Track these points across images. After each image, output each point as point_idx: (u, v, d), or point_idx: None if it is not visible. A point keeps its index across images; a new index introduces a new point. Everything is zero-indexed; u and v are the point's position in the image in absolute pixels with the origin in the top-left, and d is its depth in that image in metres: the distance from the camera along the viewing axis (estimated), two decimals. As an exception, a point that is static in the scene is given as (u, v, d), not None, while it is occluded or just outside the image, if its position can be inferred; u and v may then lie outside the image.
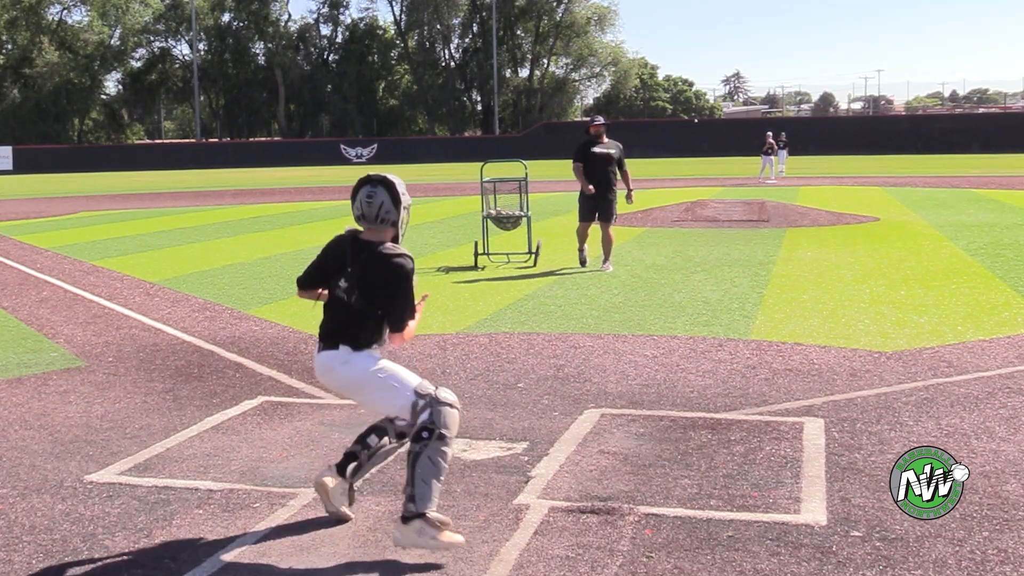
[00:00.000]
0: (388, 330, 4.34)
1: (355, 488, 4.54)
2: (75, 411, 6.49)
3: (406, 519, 4.09)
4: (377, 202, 4.30)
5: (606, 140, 12.97)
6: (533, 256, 13.41)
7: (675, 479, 4.97)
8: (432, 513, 4.09)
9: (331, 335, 4.35)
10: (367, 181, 4.36)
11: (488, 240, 13.96)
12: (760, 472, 5.05)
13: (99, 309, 10.60)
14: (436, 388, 4.29)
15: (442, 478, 4.17)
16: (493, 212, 13.88)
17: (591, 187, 12.61)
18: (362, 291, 4.27)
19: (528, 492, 4.81)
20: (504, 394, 6.69)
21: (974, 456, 5.25)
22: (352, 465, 4.44)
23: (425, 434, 4.15)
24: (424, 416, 4.18)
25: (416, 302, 4.39)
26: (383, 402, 4.32)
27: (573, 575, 3.93)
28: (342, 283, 4.34)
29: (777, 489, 4.81)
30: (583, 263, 12.97)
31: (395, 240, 4.40)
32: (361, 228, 4.41)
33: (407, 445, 4.28)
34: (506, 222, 13.91)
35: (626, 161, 12.95)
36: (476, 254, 13.42)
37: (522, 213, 13.74)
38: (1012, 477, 4.93)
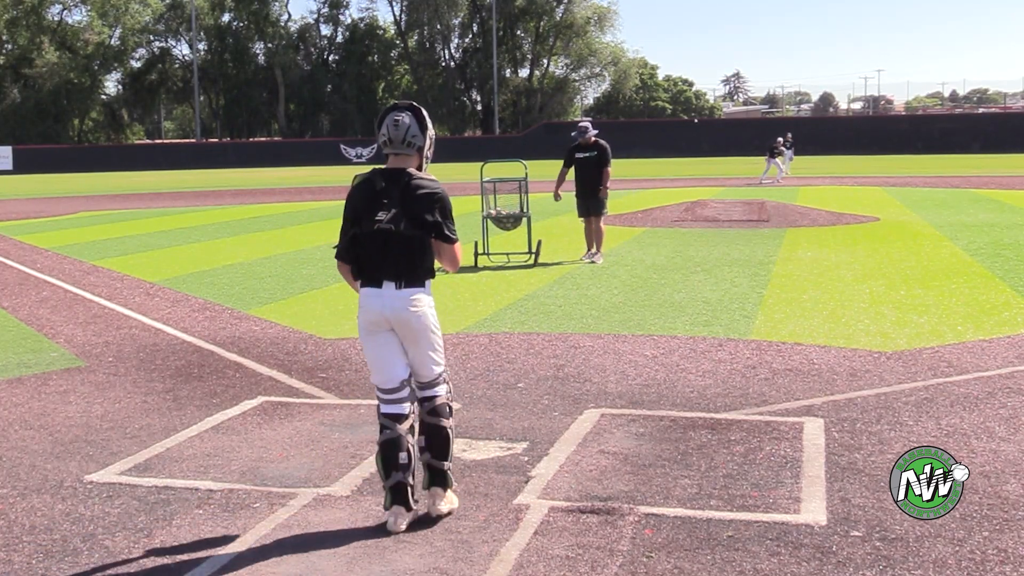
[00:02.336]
0: (440, 252, 4.45)
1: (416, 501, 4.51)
2: (75, 411, 6.49)
3: (448, 484, 4.53)
4: (404, 125, 4.37)
5: (592, 142, 13.69)
6: (533, 255, 13.42)
7: (675, 479, 4.97)
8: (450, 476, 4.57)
9: (406, 271, 4.34)
10: (393, 108, 4.44)
11: (488, 240, 13.97)
12: (760, 472, 5.05)
13: (99, 309, 10.60)
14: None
15: None
16: (493, 212, 13.88)
17: (559, 194, 14.12)
18: (409, 217, 4.31)
19: (528, 492, 4.81)
20: (504, 394, 6.68)
21: (974, 456, 5.25)
22: (408, 492, 4.40)
23: (448, 411, 4.54)
24: (442, 392, 4.54)
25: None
26: (426, 363, 4.47)
27: (573, 575, 3.93)
28: (382, 215, 4.32)
29: (777, 489, 4.81)
30: (585, 258, 13.52)
31: (419, 169, 4.46)
32: (381, 165, 4.49)
33: (428, 418, 4.51)
34: (506, 222, 13.92)
35: (613, 162, 13.76)
36: (476, 254, 13.43)
37: (522, 213, 13.76)
38: (1012, 477, 4.93)
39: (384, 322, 4.41)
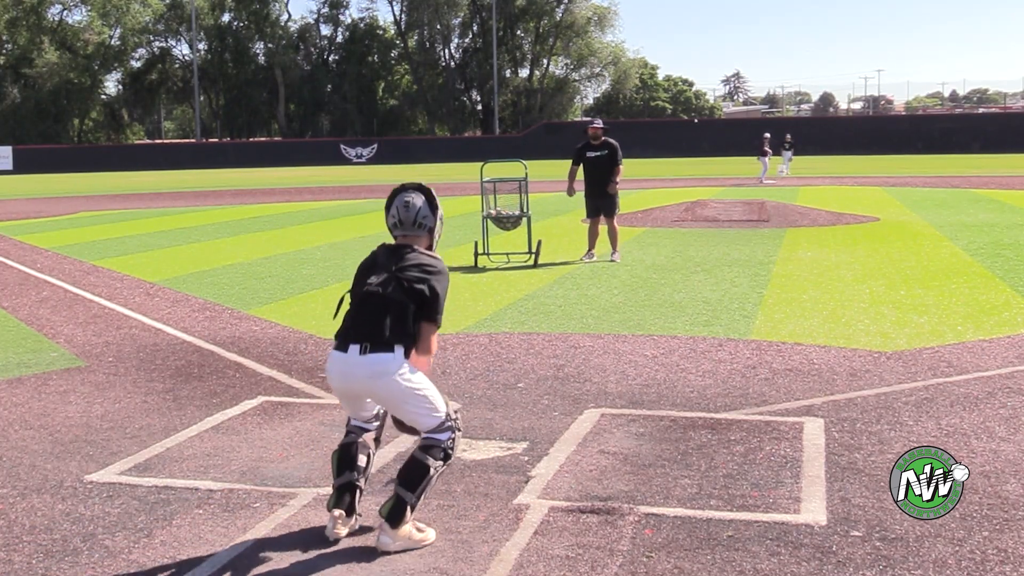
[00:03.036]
0: (419, 330, 4.20)
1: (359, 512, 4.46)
2: (75, 411, 6.49)
3: (397, 523, 4.13)
4: (415, 207, 4.31)
5: (603, 141, 13.70)
6: (533, 255, 13.42)
7: (675, 479, 4.97)
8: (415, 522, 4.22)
9: (376, 335, 4.13)
10: (402, 189, 4.37)
11: (488, 240, 13.98)
12: (760, 472, 5.05)
13: (99, 309, 10.60)
14: (453, 409, 4.33)
15: None
16: (493, 212, 13.88)
17: (572, 191, 14.08)
18: (398, 281, 4.18)
19: (528, 492, 4.81)
20: (504, 394, 6.69)
21: (974, 456, 5.25)
22: (356, 496, 4.36)
23: (442, 456, 4.20)
24: (444, 438, 4.22)
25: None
26: (417, 418, 4.23)
27: (573, 575, 3.93)
28: (373, 279, 4.23)
29: (777, 489, 4.81)
30: (586, 259, 13.56)
31: (429, 248, 4.38)
32: (394, 240, 4.39)
33: (417, 452, 4.24)
34: (506, 222, 13.91)
35: (623, 160, 13.78)
36: (476, 254, 13.43)
37: (522, 213, 13.75)
38: (1012, 477, 4.93)
39: (351, 393, 4.30)
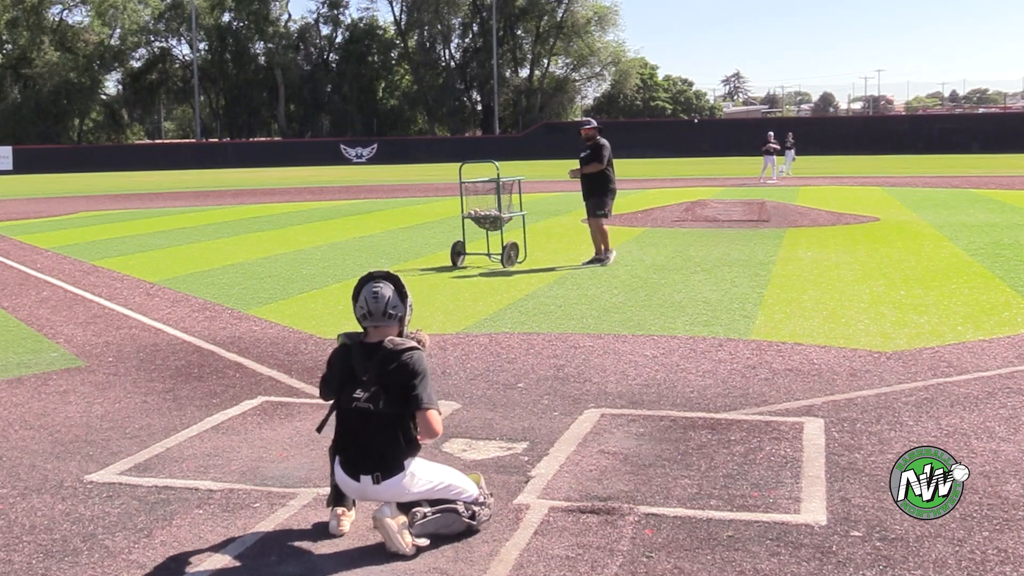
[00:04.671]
0: (417, 421, 4.20)
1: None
2: (75, 411, 6.49)
3: (407, 523, 4.15)
4: (384, 297, 4.23)
5: (593, 141, 13.43)
6: (501, 257, 13.24)
7: (675, 479, 4.96)
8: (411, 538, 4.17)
9: (381, 459, 4.15)
10: (370, 279, 4.29)
11: (489, 241, 14.01)
12: (760, 472, 5.05)
13: (99, 309, 10.60)
14: (488, 493, 4.42)
15: (437, 533, 4.23)
16: (472, 213, 13.87)
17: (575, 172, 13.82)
18: (387, 392, 4.14)
19: (528, 492, 4.81)
20: (504, 394, 6.69)
21: (974, 456, 5.25)
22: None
23: (470, 517, 4.28)
24: (479, 510, 4.31)
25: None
26: (449, 498, 4.28)
27: (573, 575, 3.93)
28: (359, 394, 4.17)
29: (777, 489, 4.81)
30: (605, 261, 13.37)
31: (399, 335, 4.32)
32: (361, 329, 4.34)
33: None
34: (484, 222, 13.85)
35: (615, 161, 13.60)
36: (454, 253, 13.52)
37: (499, 214, 13.65)
38: (1012, 477, 4.93)
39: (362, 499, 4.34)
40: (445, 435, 5.64)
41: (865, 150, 61.28)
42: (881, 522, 4.37)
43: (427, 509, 4.21)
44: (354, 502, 4.44)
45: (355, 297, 4.29)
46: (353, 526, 4.43)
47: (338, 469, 4.27)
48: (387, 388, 4.14)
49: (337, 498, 4.38)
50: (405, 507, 4.20)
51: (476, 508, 4.30)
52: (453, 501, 4.26)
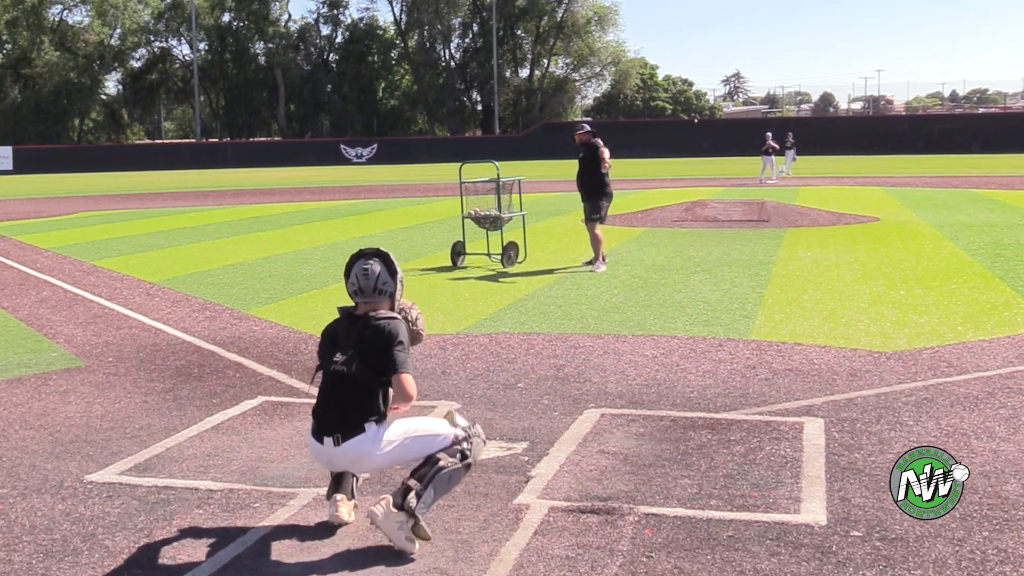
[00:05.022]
0: (392, 384, 4.24)
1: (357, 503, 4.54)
2: (75, 411, 6.49)
3: (401, 507, 4.10)
4: (374, 274, 4.34)
5: (588, 143, 13.15)
6: (501, 257, 13.26)
7: (675, 479, 4.97)
8: (423, 522, 4.14)
9: (345, 419, 4.21)
10: (360, 255, 4.40)
11: (489, 241, 14.02)
12: (760, 472, 5.05)
13: (99, 309, 10.60)
14: (471, 423, 4.39)
15: (446, 494, 4.27)
16: (472, 213, 13.87)
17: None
18: (361, 359, 4.23)
19: (528, 492, 4.81)
20: (504, 394, 6.69)
21: (974, 456, 5.25)
22: (353, 483, 4.49)
23: (459, 456, 4.24)
24: (464, 445, 4.27)
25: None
26: (426, 451, 4.26)
27: (573, 575, 3.93)
28: (338, 357, 4.29)
29: (777, 489, 4.81)
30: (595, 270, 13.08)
31: (391, 310, 4.41)
32: (355, 304, 4.43)
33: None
34: (483, 222, 13.85)
35: (612, 161, 13.29)
36: (454, 253, 13.51)
37: (499, 213, 13.65)
38: (1012, 477, 4.93)
39: (349, 469, 4.41)
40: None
41: (865, 150, 61.27)
42: (881, 522, 4.37)
43: (417, 487, 4.13)
44: (353, 492, 4.46)
45: (347, 274, 4.41)
46: (353, 526, 4.43)
47: (309, 437, 4.35)
48: (363, 354, 4.23)
49: (336, 486, 4.42)
50: (401, 501, 4.14)
51: (462, 447, 4.25)
52: (434, 459, 4.19)
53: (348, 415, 4.20)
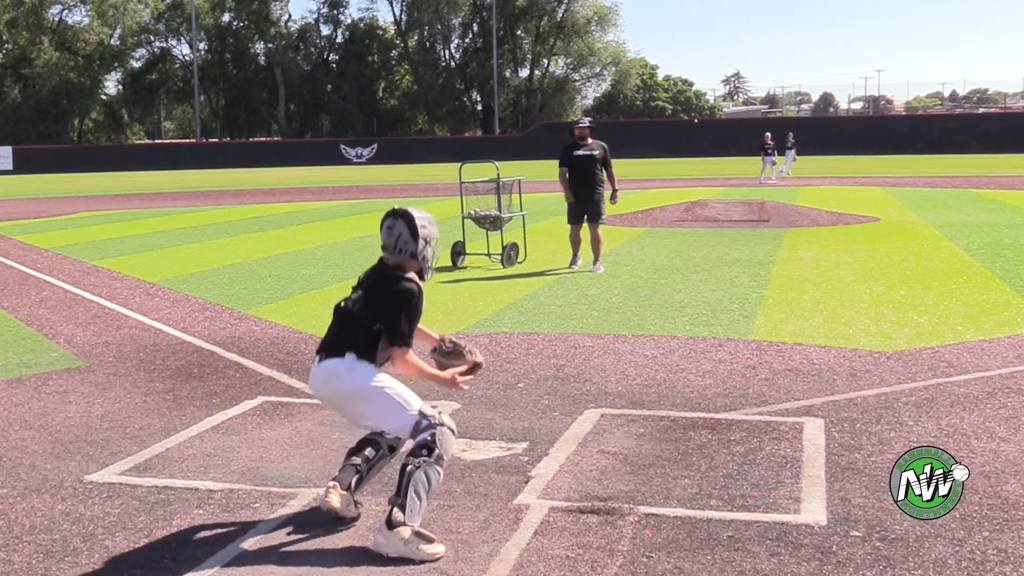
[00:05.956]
0: (390, 351, 4.37)
1: (357, 500, 4.53)
2: (75, 411, 6.49)
3: (393, 525, 4.09)
4: (396, 233, 4.47)
5: (590, 141, 12.96)
6: (501, 258, 13.26)
7: (675, 479, 4.97)
8: (418, 528, 4.13)
9: (333, 344, 4.41)
10: (390, 213, 4.54)
11: (489, 241, 14.02)
12: (760, 472, 5.05)
13: (99, 309, 10.60)
14: (439, 412, 4.36)
15: (431, 495, 4.22)
16: (472, 213, 13.87)
17: (572, 195, 12.89)
18: (366, 301, 4.39)
19: (528, 492, 4.81)
20: (504, 394, 6.69)
21: (974, 456, 5.25)
22: (354, 478, 4.43)
23: (425, 452, 4.20)
24: (426, 435, 4.23)
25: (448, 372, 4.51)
26: (383, 417, 4.32)
27: (573, 575, 3.93)
28: (351, 296, 4.49)
29: (777, 489, 4.81)
30: (573, 266, 12.98)
31: (419, 274, 4.52)
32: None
33: (401, 457, 4.33)
34: (484, 222, 13.85)
35: (613, 161, 13.04)
36: (454, 253, 13.51)
37: (499, 213, 13.64)
38: (1012, 477, 4.93)
39: (324, 402, 4.64)
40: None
41: (865, 150, 61.24)
42: (881, 522, 4.37)
43: (396, 500, 4.13)
44: (350, 486, 4.38)
45: (381, 226, 4.56)
46: (352, 526, 4.43)
47: (317, 364, 4.46)
48: (369, 299, 4.41)
49: (337, 476, 4.45)
50: (389, 520, 4.11)
51: (426, 439, 4.21)
52: (403, 466, 4.19)
53: (337, 341, 4.40)
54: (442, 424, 4.27)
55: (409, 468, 4.17)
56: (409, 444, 4.32)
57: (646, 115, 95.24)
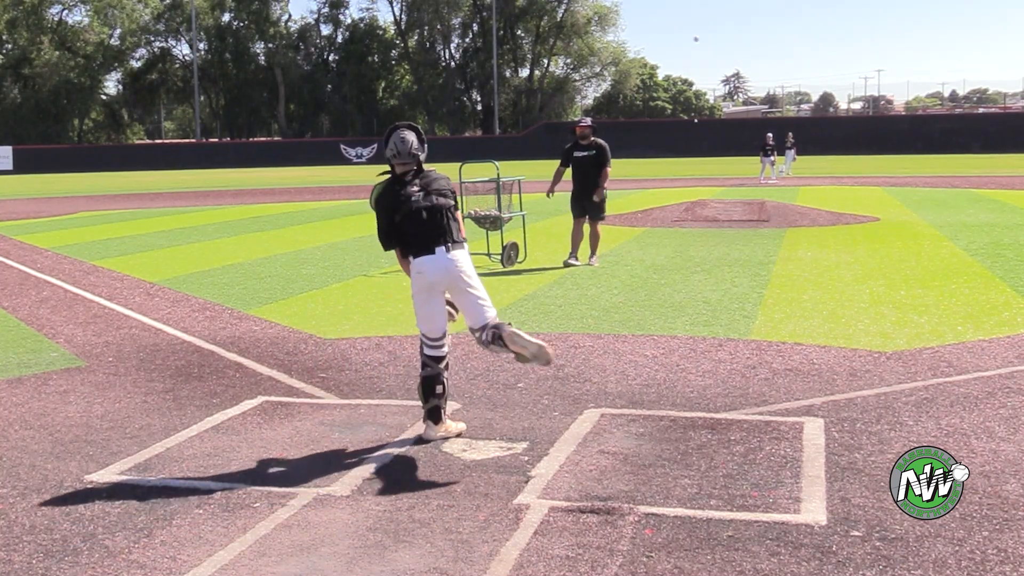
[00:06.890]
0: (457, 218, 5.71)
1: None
2: (75, 411, 6.49)
3: (500, 334, 5.49)
4: (409, 142, 5.65)
5: (591, 141, 13.22)
6: (501, 257, 13.26)
7: (675, 479, 4.97)
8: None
9: (437, 239, 5.53)
10: (396, 128, 5.72)
11: (489, 241, 14.01)
12: (760, 472, 5.05)
13: (99, 309, 10.60)
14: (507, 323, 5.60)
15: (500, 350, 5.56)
16: (473, 213, 13.86)
17: (551, 191, 13.88)
18: (436, 194, 5.60)
19: (528, 492, 4.81)
20: (504, 394, 6.69)
21: (974, 456, 5.25)
22: (441, 414, 5.70)
23: (501, 341, 5.50)
24: (488, 335, 5.54)
25: None
26: (475, 304, 5.58)
27: (573, 575, 3.93)
28: (415, 199, 5.56)
29: (777, 489, 4.81)
30: (566, 264, 13.08)
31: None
32: (391, 167, 5.71)
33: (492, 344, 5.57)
34: (484, 222, 13.84)
35: (613, 161, 13.29)
36: None
37: (499, 213, 13.64)
38: (1012, 477, 4.93)
39: (440, 282, 5.58)
40: (445, 436, 5.68)
41: (865, 150, 61.27)
42: (881, 522, 4.37)
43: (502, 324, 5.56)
44: (441, 419, 5.68)
45: (386, 141, 5.70)
46: (352, 526, 4.43)
47: (419, 260, 5.54)
48: (434, 191, 5.62)
49: (430, 417, 5.66)
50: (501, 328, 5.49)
51: (492, 330, 5.52)
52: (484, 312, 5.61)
53: (449, 233, 5.57)
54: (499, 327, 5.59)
55: (498, 335, 5.52)
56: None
57: (646, 115, 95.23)
